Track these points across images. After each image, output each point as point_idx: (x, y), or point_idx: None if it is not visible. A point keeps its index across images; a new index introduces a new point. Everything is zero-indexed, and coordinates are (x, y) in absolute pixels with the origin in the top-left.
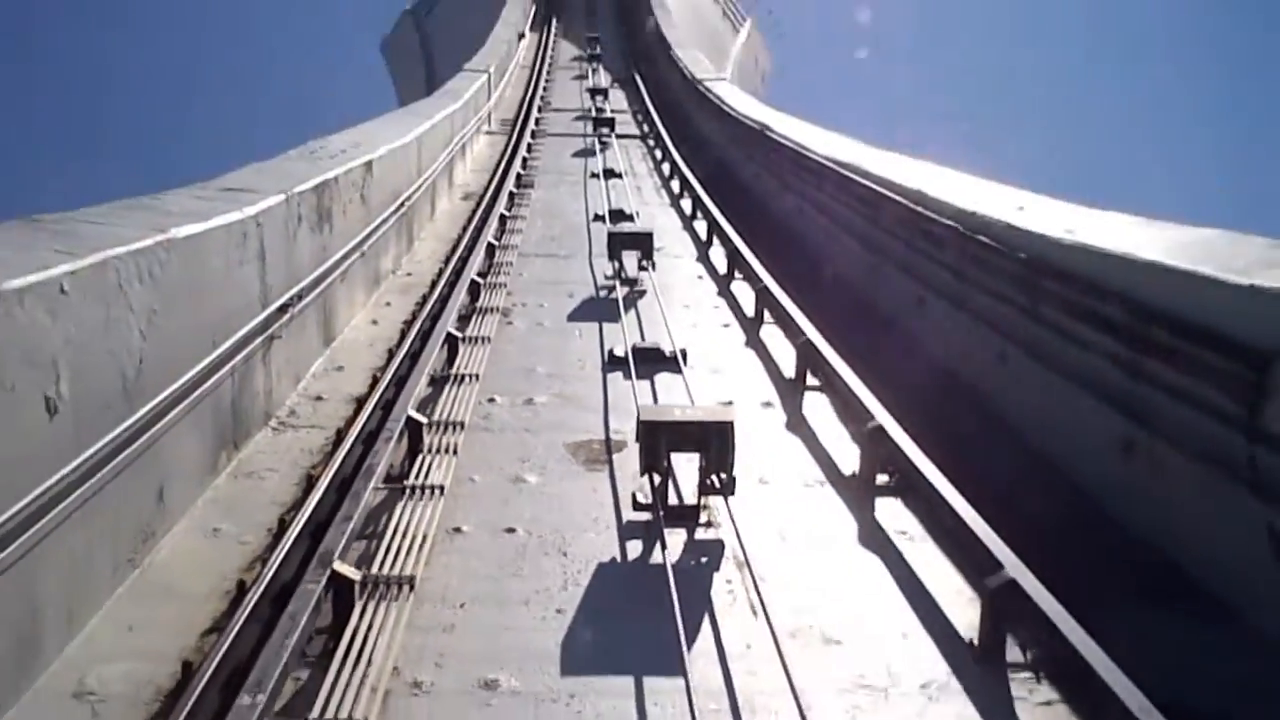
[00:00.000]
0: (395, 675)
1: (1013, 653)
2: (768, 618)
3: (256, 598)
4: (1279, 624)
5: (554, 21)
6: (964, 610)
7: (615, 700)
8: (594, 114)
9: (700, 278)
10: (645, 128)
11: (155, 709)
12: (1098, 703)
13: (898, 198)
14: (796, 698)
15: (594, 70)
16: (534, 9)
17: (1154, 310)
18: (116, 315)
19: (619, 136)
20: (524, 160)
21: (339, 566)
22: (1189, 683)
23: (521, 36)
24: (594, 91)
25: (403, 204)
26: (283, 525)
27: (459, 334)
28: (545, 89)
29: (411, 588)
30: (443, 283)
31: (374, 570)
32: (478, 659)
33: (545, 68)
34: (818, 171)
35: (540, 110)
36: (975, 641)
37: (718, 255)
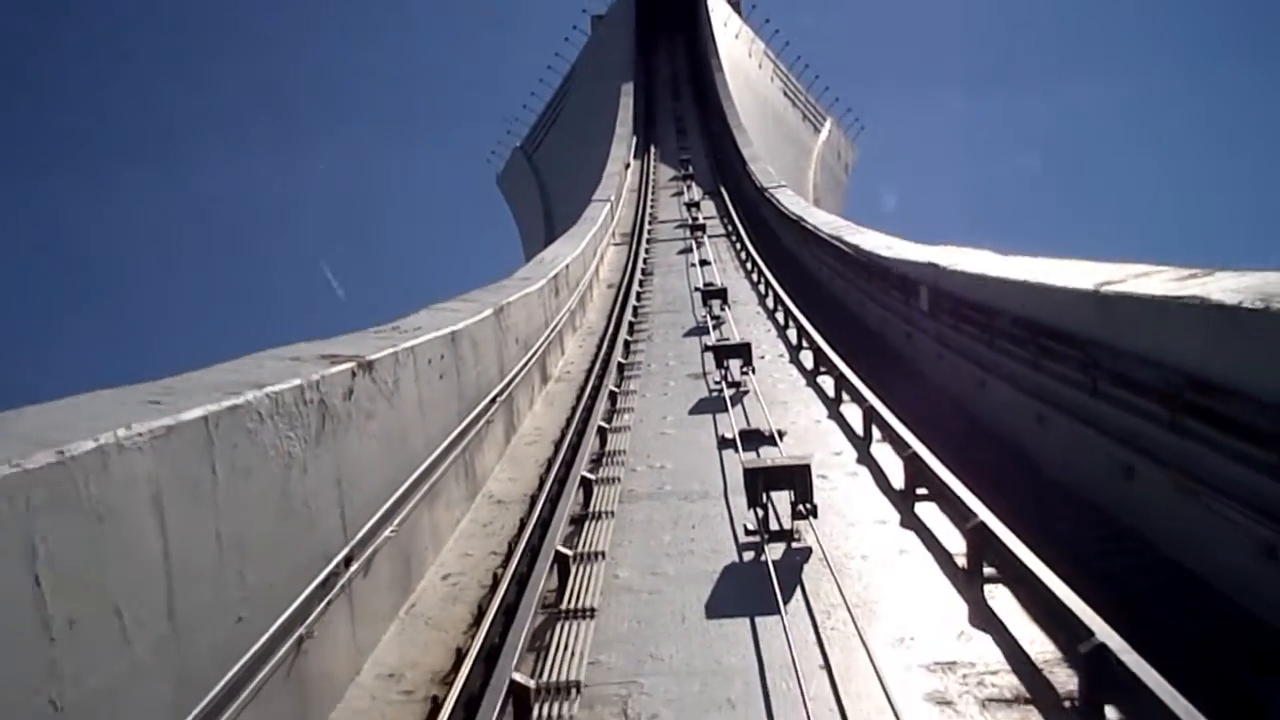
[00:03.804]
0: (633, 413)
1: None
2: (757, 395)
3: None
4: None
5: (652, 149)
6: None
7: (705, 417)
8: (690, 222)
9: (757, 312)
10: (729, 227)
11: (533, 490)
12: None
13: (850, 250)
14: (762, 404)
15: (688, 186)
16: (635, 140)
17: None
18: (489, 339)
19: (710, 236)
20: (644, 260)
21: (603, 422)
22: None
23: (628, 166)
24: (689, 205)
25: (579, 289)
26: (569, 421)
27: (624, 361)
28: (652, 205)
29: (624, 419)
30: (610, 329)
31: (615, 410)
32: (656, 411)
33: (649, 189)
34: (822, 241)
35: (649, 223)
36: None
37: (770, 301)
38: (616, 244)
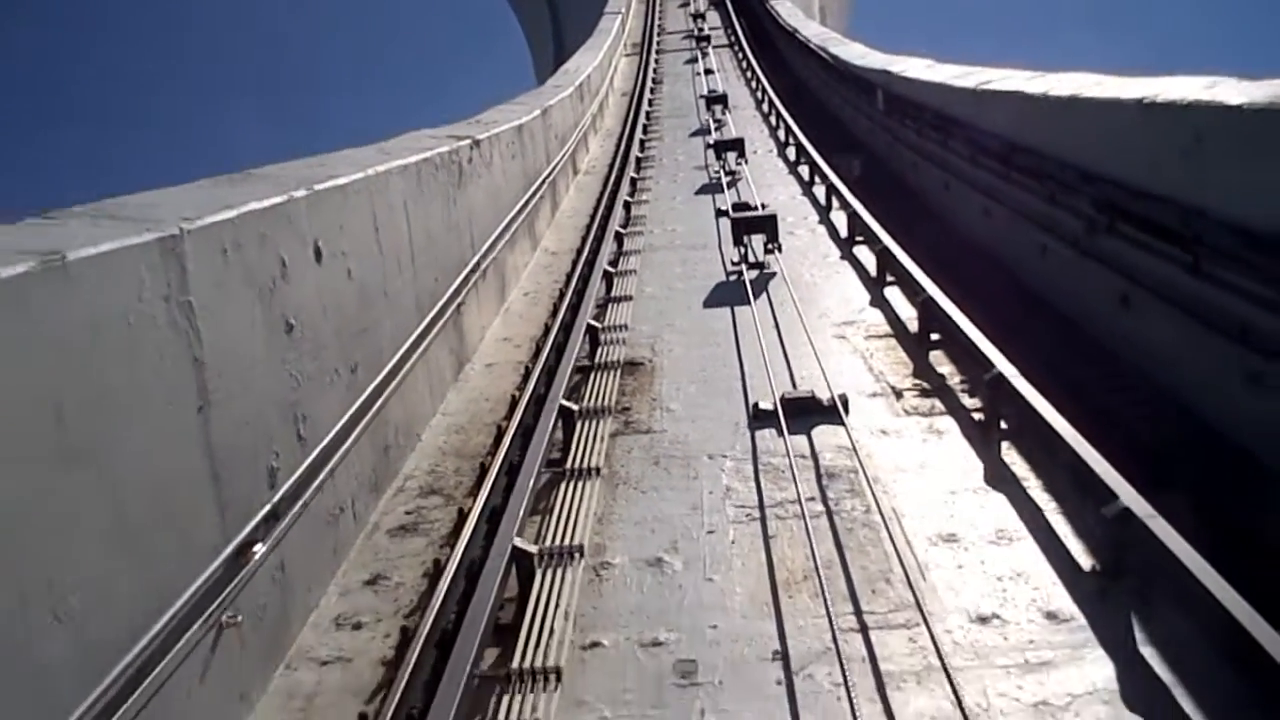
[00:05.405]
0: (650, 193)
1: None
2: (748, 180)
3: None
4: None
5: None
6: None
7: (706, 197)
8: (696, 33)
9: (754, 115)
10: (732, 38)
11: (578, 246)
12: None
13: (831, 60)
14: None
15: None
16: None
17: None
18: (539, 133)
19: (714, 47)
20: (653, 70)
21: (627, 198)
22: None
23: None
24: (695, 16)
25: (599, 96)
26: (599, 200)
27: (640, 156)
28: (660, 17)
29: (644, 198)
30: (626, 131)
31: (635, 192)
32: (668, 193)
33: (657, 1)
34: (812, 51)
35: (658, 34)
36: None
37: (765, 106)
38: (628, 55)
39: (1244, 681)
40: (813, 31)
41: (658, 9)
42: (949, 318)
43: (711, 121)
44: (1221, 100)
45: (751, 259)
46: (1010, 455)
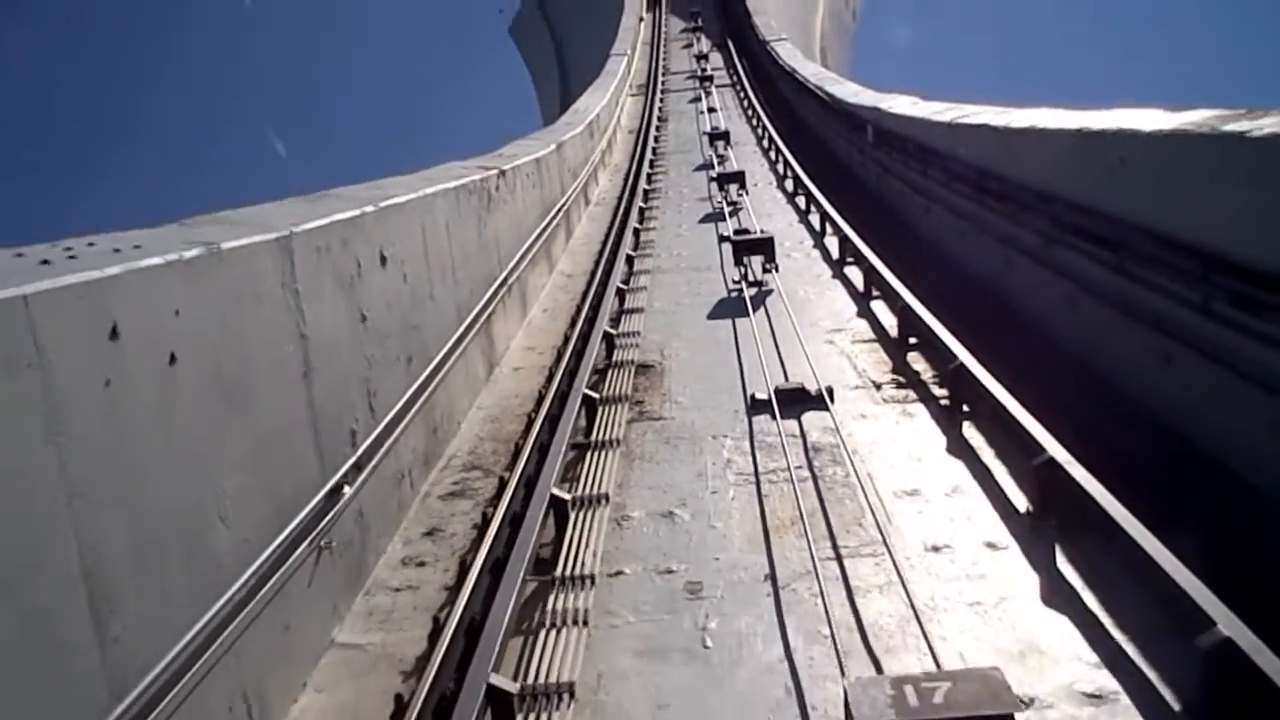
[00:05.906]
0: (658, 221)
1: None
2: (748, 209)
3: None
4: None
5: (663, 1)
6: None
7: (709, 225)
8: (699, 73)
9: (755, 150)
10: (734, 77)
11: (592, 267)
12: None
13: (827, 98)
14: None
15: (697, 39)
16: None
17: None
18: (554, 166)
19: (717, 86)
20: (658, 108)
21: (636, 225)
22: None
23: (641, 20)
24: (698, 57)
25: (607, 134)
26: (610, 228)
27: (647, 188)
28: (664, 58)
29: (651, 225)
30: (634, 165)
31: (643, 220)
32: (674, 221)
33: (661, 42)
34: (809, 90)
35: (663, 74)
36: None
37: (765, 142)
38: (633, 95)
39: (1142, 589)
40: (810, 71)
41: (662, 51)
42: (923, 321)
43: (714, 156)
44: (1138, 128)
45: (751, 278)
46: (970, 432)
